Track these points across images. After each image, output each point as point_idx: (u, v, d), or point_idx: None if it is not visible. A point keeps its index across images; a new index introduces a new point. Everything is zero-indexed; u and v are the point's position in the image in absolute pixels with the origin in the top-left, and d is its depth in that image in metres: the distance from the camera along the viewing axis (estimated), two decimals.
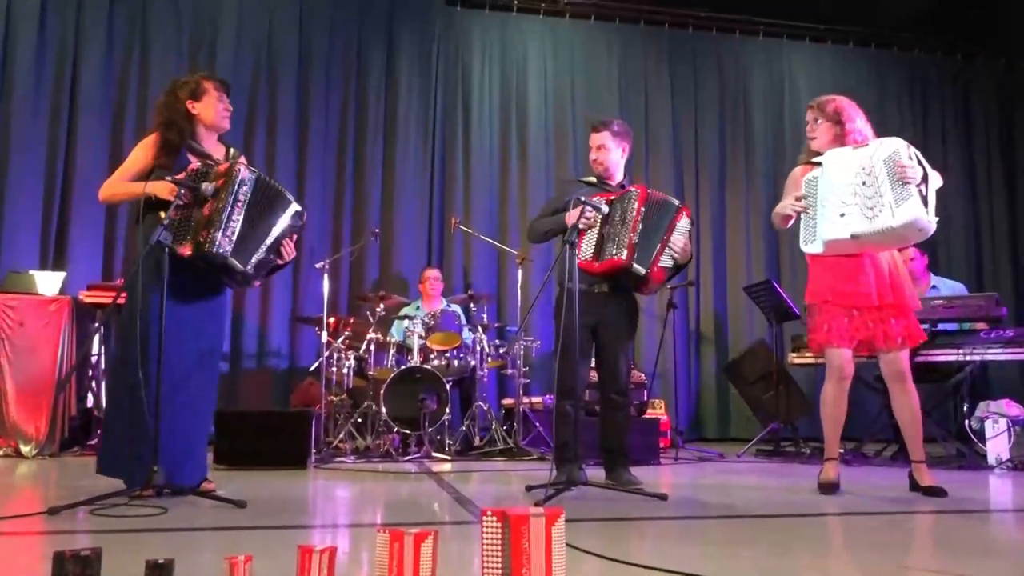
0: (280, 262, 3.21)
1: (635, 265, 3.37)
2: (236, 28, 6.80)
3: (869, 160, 3.20)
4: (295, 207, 3.18)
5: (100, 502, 2.70)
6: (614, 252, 3.38)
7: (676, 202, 3.56)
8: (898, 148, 3.16)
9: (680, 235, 3.51)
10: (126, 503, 2.72)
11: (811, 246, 3.34)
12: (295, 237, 3.24)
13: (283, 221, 3.14)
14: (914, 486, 3.37)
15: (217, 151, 3.26)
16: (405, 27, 7.20)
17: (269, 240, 3.11)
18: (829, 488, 3.32)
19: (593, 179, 3.78)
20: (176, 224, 2.96)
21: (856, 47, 8.12)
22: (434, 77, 7.19)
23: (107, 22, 6.51)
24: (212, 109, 3.23)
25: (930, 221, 3.18)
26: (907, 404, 3.36)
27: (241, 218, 3.00)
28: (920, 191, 3.13)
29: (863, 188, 3.20)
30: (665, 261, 3.48)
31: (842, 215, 3.22)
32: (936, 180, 3.25)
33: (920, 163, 3.17)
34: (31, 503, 2.96)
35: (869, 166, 3.20)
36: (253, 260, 3.07)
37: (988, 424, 4.62)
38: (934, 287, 5.42)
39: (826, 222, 3.27)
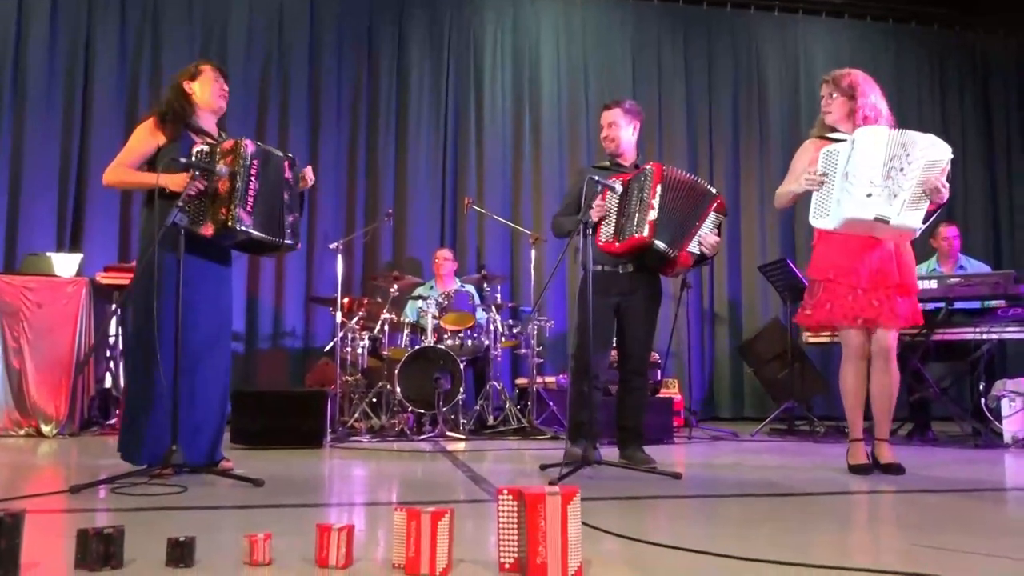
0: (302, 200, 3.33)
1: (656, 242, 3.34)
2: (247, 15, 6.78)
3: (913, 150, 3.10)
4: (287, 160, 3.25)
5: (120, 480, 2.73)
6: (634, 230, 3.36)
7: (713, 191, 3.54)
8: (944, 159, 3.10)
9: (711, 226, 3.48)
10: (146, 482, 2.75)
11: (823, 221, 3.21)
12: (307, 169, 3.34)
13: (287, 179, 3.22)
14: (875, 463, 3.34)
15: (214, 132, 3.30)
16: (416, 7, 7.15)
17: (287, 202, 3.20)
18: (861, 470, 3.28)
19: (607, 163, 3.77)
20: (191, 205, 2.98)
21: (873, 21, 8.01)
22: (446, 57, 7.15)
23: (120, 8, 6.51)
24: (208, 88, 3.27)
25: (918, 231, 3.19)
26: (887, 381, 3.31)
27: (256, 191, 3.03)
28: (929, 208, 3.13)
29: (899, 174, 3.10)
30: (693, 248, 3.46)
31: (868, 195, 3.10)
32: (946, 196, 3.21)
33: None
34: (53, 482, 3.01)
35: (912, 156, 3.09)
36: (287, 225, 3.16)
37: (1005, 403, 4.60)
38: (961, 267, 5.38)
39: (850, 199, 3.13)
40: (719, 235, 3.53)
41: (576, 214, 3.64)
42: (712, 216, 3.50)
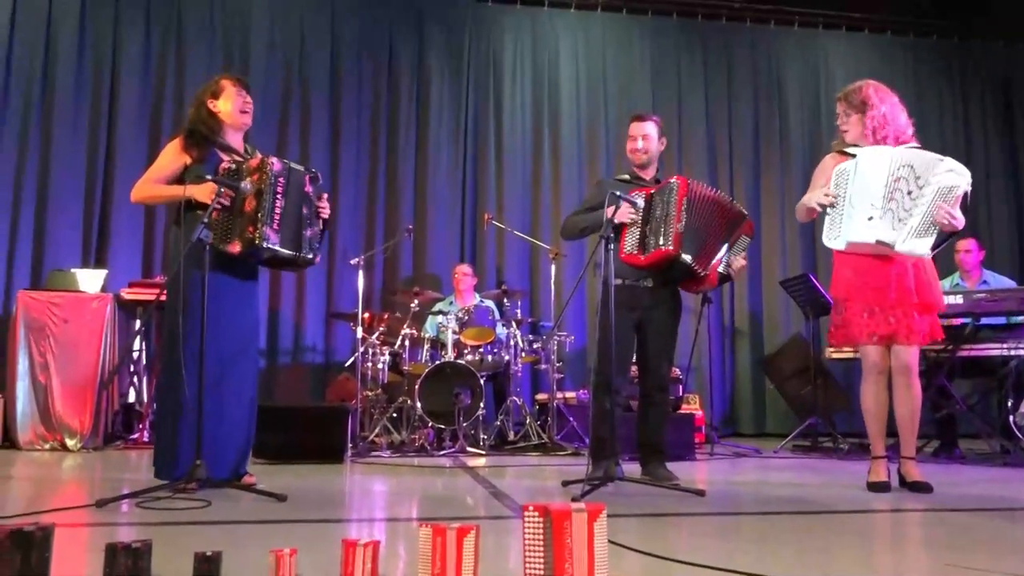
0: (323, 225, 3.30)
1: (683, 255, 3.34)
2: (269, 27, 6.87)
3: (925, 172, 3.08)
4: (308, 174, 3.24)
5: (145, 495, 2.75)
6: (660, 243, 3.36)
7: (744, 212, 3.56)
8: (961, 186, 3.06)
9: (740, 249, 3.52)
10: (170, 496, 2.77)
11: (835, 243, 3.26)
12: (324, 195, 3.32)
13: (307, 193, 3.22)
14: (902, 481, 3.30)
15: (241, 148, 3.33)
16: (436, 23, 7.21)
17: (308, 216, 3.20)
18: (879, 488, 3.25)
19: (626, 176, 3.77)
20: (219, 223, 3.02)
21: (894, 35, 7.97)
22: (466, 73, 7.20)
23: (144, 25, 6.63)
24: (231, 102, 3.28)
25: (927, 256, 3.18)
26: (909, 398, 3.28)
27: (283, 208, 3.06)
28: (940, 234, 3.11)
29: (907, 198, 3.08)
30: (722, 268, 3.50)
31: (870, 218, 3.12)
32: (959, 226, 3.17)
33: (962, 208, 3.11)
34: (78, 496, 3.03)
35: (924, 181, 3.07)
36: (305, 242, 3.16)
37: None
38: (984, 282, 5.31)
39: (852, 223, 3.18)
40: (745, 258, 3.55)
41: (587, 214, 3.65)
42: (742, 239, 3.51)
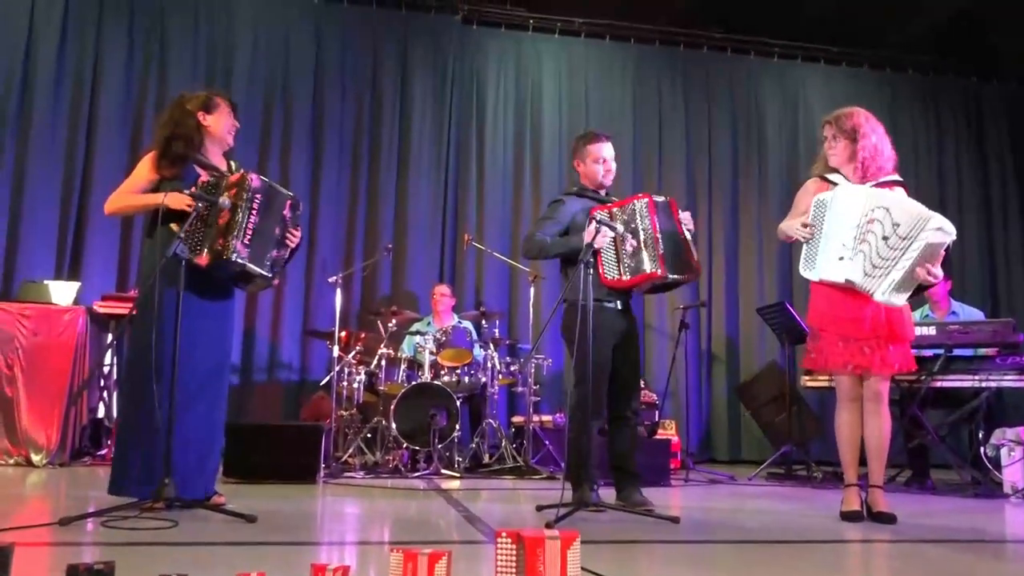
0: (290, 249, 3.25)
1: (672, 275, 3.37)
2: (252, 45, 6.86)
3: (913, 230, 3.09)
4: (290, 199, 3.22)
5: (111, 514, 2.69)
6: (645, 267, 3.37)
7: (661, 199, 3.57)
8: (947, 243, 3.11)
9: (687, 223, 3.54)
10: (136, 515, 2.71)
11: (809, 273, 3.31)
12: (299, 226, 3.29)
13: (284, 216, 3.19)
14: (869, 511, 3.30)
15: (221, 165, 3.30)
16: (421, 45, 7.24)
17: (277, 238, 3.17)
18: (851, 517, 3.26)
19: (576, 189, 3.79)
20: (190, 235, 2.99)
21: (870, 69, 8.12)
22: (449, 95, 7.23)
23: (127, 38, 6.59)
24: (222, 123, 3.27)
25: (897, 305, 3.24)
26: (879, 426, 3.30)
27: (255, 225, 3.04)
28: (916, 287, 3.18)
29: (882, 243, 3.11)
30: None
31: (840, 258, 3.17)
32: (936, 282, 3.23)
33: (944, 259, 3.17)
34: (42, 513, 2.96)
35: (908, 234, 3.09)
36: (267, 261, 3.12)
37: (1004, 452, 4.56)
38: (953, 312, 5.38)
39: (824, 259, 3.23)
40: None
41: (559, 238, 3.64)
42: (683, 217, 3.55)
